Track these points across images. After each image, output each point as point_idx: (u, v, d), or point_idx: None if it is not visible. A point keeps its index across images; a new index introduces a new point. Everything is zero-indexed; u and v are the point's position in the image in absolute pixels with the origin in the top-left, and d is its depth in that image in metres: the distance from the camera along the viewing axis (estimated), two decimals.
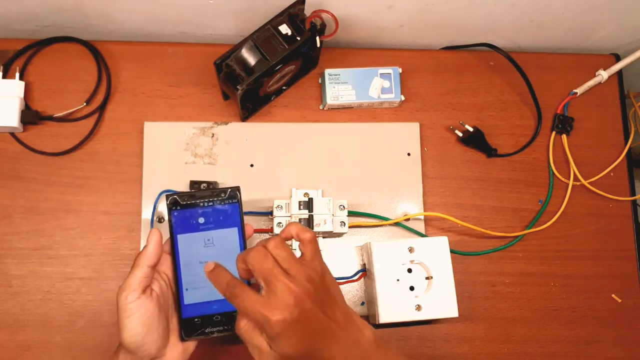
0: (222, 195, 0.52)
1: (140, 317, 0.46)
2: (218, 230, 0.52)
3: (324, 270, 0.47)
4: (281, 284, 0.42)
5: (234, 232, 0.52)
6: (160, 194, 0.64)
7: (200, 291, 0.51)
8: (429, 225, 0.68)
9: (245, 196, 0.65)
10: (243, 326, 0.44)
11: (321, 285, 0.45)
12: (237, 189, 0.52)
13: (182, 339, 0.50)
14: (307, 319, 0.43)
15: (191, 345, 0.50)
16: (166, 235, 0.51)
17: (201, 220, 0.51)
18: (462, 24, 0.71)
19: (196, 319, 0.50)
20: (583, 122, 0.74)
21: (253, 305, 0.42)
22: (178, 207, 0.51)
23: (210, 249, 0.52)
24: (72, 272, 0.63)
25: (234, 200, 0.52)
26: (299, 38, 0.60)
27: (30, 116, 0.65)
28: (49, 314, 0.62)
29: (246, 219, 0.65)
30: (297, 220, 0.61)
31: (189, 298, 0.50)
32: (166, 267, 0.51)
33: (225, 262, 0.51)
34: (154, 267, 0.49)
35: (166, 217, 0.51)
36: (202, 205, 0.52)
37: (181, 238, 0.51)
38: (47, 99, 0.67)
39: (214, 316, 0.50)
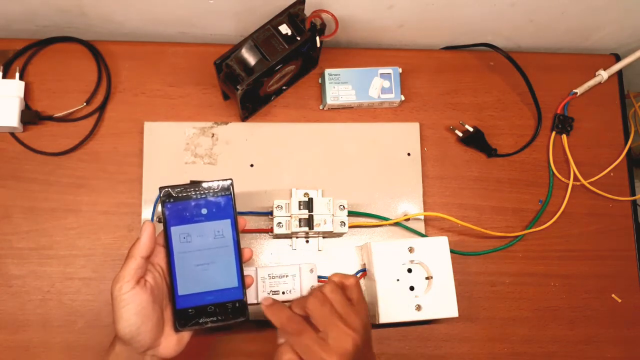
0: (215, 187, 0.52)
1: (134, 308, 0.46)
2: (211, 222, 0.52)
3: (367, 311, 0.53)
4: (340, 331, 0.47)
5: (226, 224, 0.52)
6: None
7: (193, 282, 0.51)
8: (429, 225, 0.68)
9: (245, 196, 0.65)
10: None
11: (368, 327, 0.51)
12: (230, 181, 0.53)
13: (177, 329, 0.50)
14: None
15: (186, 335, 0.51)
16: (160, 227, 0.52)
17: (194, 212, 0.52)
18: (462, 24, 0.71)
19: (190, 310, 0.51)
20: (583, 122, 0.74)
21: (313, 345, 0.46)
22: (171, 200, 0.52)
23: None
24: (72, 272, 0.63)
25: (227, 193, 0.53)
26: (299, 38, 0.60)
27: (30, 116, 0.65)
28: (49, 314, 0.62)
29: (246, 219, 0.65)
30: (297, 220, 0.61)
31: (182, 289, 0.51)
32: (160, 258, 0.51)
33: (218, 254, 0.51)
34: (148, 259, 0.49)
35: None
36: (195, 198, 0.52)
37: (175, 230, 0.51)
38: (47, 99, 0.67)
39: (208, 307, 0.51)
